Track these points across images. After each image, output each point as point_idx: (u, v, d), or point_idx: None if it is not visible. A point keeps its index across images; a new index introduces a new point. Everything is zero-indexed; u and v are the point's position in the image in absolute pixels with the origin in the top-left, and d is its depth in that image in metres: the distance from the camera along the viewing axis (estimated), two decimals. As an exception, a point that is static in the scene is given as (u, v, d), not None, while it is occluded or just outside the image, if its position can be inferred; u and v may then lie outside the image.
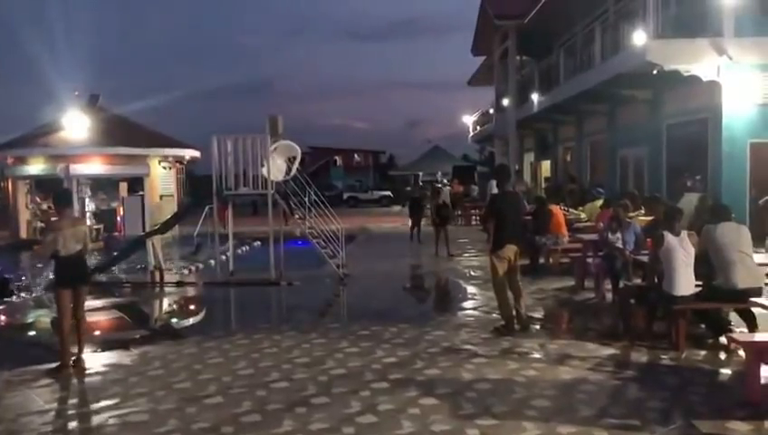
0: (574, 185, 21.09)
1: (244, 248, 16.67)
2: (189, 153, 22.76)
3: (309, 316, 9.15)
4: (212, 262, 13.90)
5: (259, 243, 17.04)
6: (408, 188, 45.41)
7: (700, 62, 12.72)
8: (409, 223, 19.26)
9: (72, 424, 5.29)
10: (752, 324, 6.62)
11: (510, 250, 7.54)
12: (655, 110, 16.14)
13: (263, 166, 11.94)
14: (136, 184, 21.86)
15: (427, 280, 11.84)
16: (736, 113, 12.81)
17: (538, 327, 7.82)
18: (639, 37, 13.14)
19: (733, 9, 12.53)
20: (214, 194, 12.32)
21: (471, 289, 10.68)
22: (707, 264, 6.65)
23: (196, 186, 24.97)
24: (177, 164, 22.88)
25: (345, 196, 44.78)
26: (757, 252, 7.38)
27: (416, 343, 7.22)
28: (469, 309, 9.15)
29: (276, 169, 12.10)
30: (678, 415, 4.89)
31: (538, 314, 8.48)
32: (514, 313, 7.61)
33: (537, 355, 6.64)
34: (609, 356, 6.53)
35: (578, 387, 5.62)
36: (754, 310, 6.61)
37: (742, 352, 6.12)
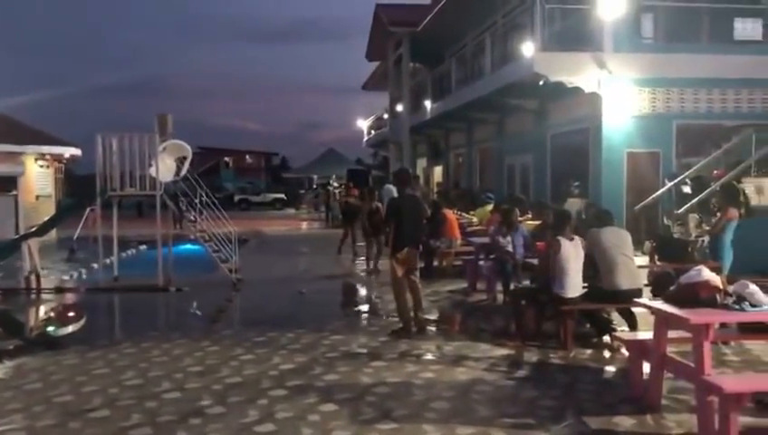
0: (457, 190, 21.75)
1: (129, 252, 15.89)
2: (69, 151, 21.45)
3: (200, 323, 8.80)
4: (95, 266, 13.14)
5: (145, 247, 16.30)
6: (303, 191, 45.15)
7: (583, 74, 13.45)
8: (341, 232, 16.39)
9: (-64, 447, 4.81)
10: (632, 324, 7.02)
11: (409, 253, 7.60)
12: (541, 119, 16.88)
13: (151, 166, 11.41)
14: (9, 184, 20.29)
15: (324, 284, 11.74)
16: (615, 124, 13.63)
17: (434, 329, 7.93)
18: (527, 49, 13.70)
19: (612, 26, 13.33)
20: (97, 195, 11.65)
21: (368, 292, 10.71)
22: (593, 266, 6.99)
23: (76, 186, 23.59)
24: (56, 163, 21.53)
25: (236, 198, 43.83)
26: (635, 255, 7.84)
27: (313, 349, 7.12)
28: (366, 312, 9.16)
29: (165, 169, 11.61)
30: (570, 412, 5.09)
31: (433, 317, 8.61)
32: (412, 315, 7.68)
33: (434, 357, 6.73)
34: (502, 356, 6.71)
35: (475, 388, 5.73)
36: (634, 309, 7.01)
37: (624, 351, 6.49)
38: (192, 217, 12.68)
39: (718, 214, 8.90)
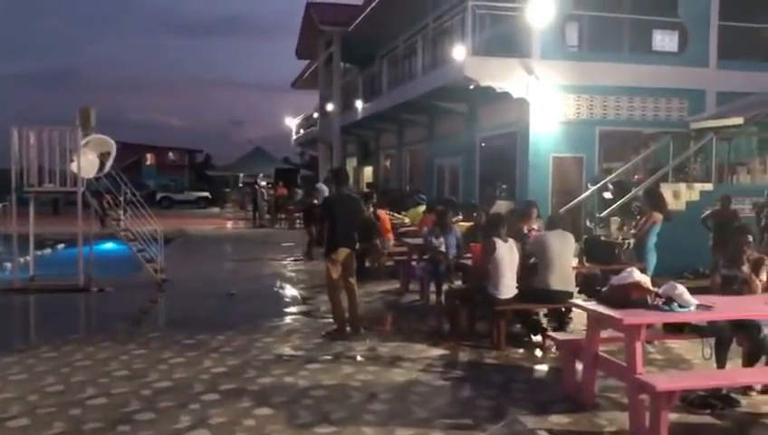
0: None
1: (46, 251, 15.13)
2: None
3: (126, 325, 8.45)
4: (8, 266, 12.42)
5: (63, 245, 15.58)
6: (228, 189, 44.18)
7: (511, 80, 13.74)
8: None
9: None
10: (563, 325, 7.20)
11: (344, 253, 7.53)
12: (470, 122, 17.16)
13: (72, 161, 10.90)
14: None
15: (254, 285, 11.50)
16: (541, 129, 13.98)
17: (369, 330, 7.90)
18: (458, 53, 13.88)
19: (539, 33, 13.69)
20: (12, 191, 11.03)
21: (300, 293, 10.58)
22: (529, 268, 7.15)
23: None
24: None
25: (158, 196, 42.41)
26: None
27: (246, 351, 6.96)
28: (299, 314, 9.03)
29: (88, 164, 11.11)
30: (506, 412, 5.16)
31: (368, 317, 8.57)
32: (347, 316, 7.62)
33: (370, 358, 6.70)
34: (438, 357, 6.75)
35: (412, 389, 5.73)
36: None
37: (555, 350, 6.66)
38: (115, 215, 12.18)
39: (639, 217, 9.30)
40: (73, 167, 10.91)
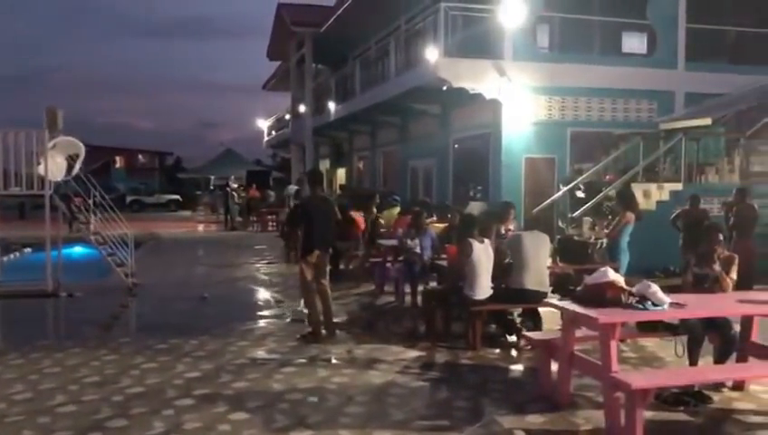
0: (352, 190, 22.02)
1: (12, 256, 14.79)
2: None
3: (96, 331, 8.28)
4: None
5: (30, 250, 15.25)
6: (199, 192, 43.66)
7: (484, 81, 13.81)
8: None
9: None
10: (537, 325, 7.23)
11: (319, 255, 7.47)
12: (444, 124, 17.20)
13: (39, 164, 10.67)
14: None
15: (227, 289, 11.38)
16: (514, 130, 14.08)
17: (344, 333, 7.85)
18: (431, 54, 13.91)
19: (511, 35, 13.78)
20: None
21: (273, 296, 10.49)
22: (505, 268, 7.18)
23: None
24: None
25: (128, 199, 41.89)
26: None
27: (220, 356, 6.87)
28: (273, 317, 8.94)
29: (56, 167, 10.88)
30: (483, 412, 5.16)
31: (343, 320, 8.53)
32: (322, 318, 7.57)
33: (346, 361, 6.66)
34: (414, 358, 6.73)
35: (388, 391, 5.70)
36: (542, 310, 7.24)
37: (531, 350, 6.69)
38: (84, 219, 11.95)
39: (610, 217, 9.42)
40: (40, 170, 10.69)
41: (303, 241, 7.52)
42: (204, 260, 15.71)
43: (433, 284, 9.04)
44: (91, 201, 11.98)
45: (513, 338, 7.27)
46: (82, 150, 11.42)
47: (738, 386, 5.55)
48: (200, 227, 26.63)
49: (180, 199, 43.63)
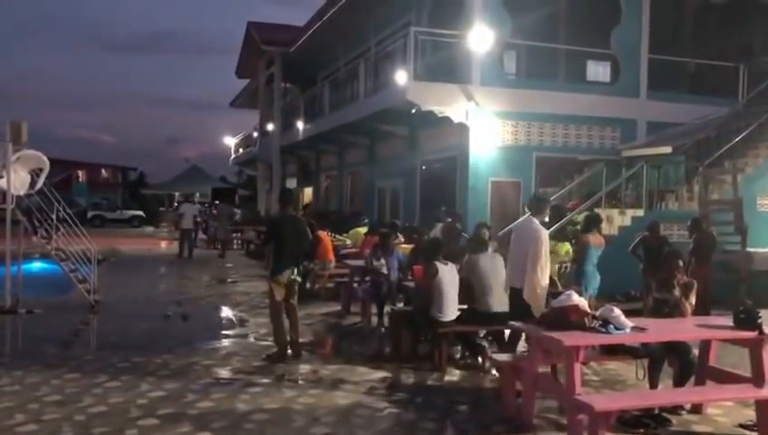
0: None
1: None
2: None
3: (57, 349, 8.11)
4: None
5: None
6: (163, 208, 43.12)
7: (452, 105, 13.99)
8: None
9: None
10: (503, 346, 7.31)
11: (289, 276, 7.46)
12: (411, 146, 17.35)
13: (1, 177, 10.47)
14: None
15: (192, 307, 11.25)
16: (481, 154, 14.26)
17: (310, 353, 7.83)
18: (401, 77, 14.08)
19: (479, 61, 14.03)
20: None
21: (239, 315, 10.41)
22: (467, 289, 7.25)
23: None
24: None
25: (90, 214, 41.06)
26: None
27: (185, 375, 6.80)
28: (238, 336, 8.87)
29: (19, 181, 10.69)
30: (448, 434, 5.20)
31: (309, 340, 8.50)
32: (288, 339, 7.54)
33: (312, 381, 6.65)
34: (380, 379, 6.75)
35: (355, 411, 5.71)
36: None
37: (495, 372, 6.76)
38: (44, 234, 11.71)
39: (574, 241, 9.58)
40: (2, 183, 10.49)
41: (274, 261, 7.51)
42: (167, 277, 15.51)
43: (400, 305, 9.08)
44: (53, 216, 11.74)
45: (479, 360, 7.34)
46: (47, 165, 11.24)
47: (696, 409, 5.68)
48: (163, 244, 26.25)
49: (143, 215, 42.97)
